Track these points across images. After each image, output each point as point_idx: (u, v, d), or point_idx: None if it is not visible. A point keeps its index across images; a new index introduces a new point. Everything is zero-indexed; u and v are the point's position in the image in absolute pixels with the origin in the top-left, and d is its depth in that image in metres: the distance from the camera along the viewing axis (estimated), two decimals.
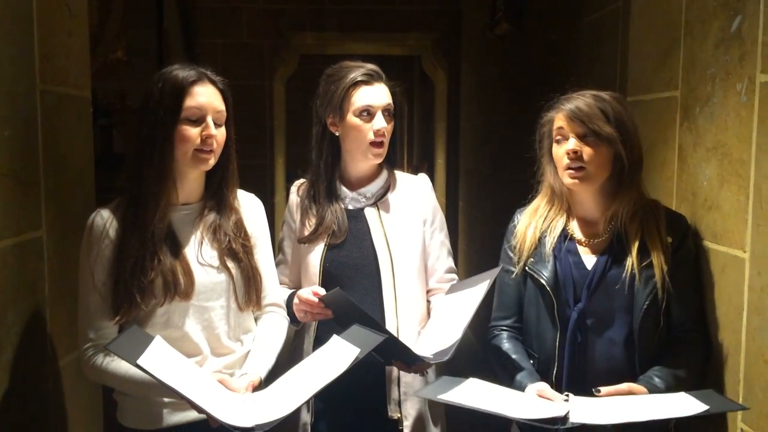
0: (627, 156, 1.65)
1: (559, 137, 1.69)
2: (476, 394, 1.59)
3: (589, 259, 1.71)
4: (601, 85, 1.78)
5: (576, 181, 1.66)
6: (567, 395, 1.57)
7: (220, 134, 1.64)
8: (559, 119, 1.68)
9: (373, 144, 1.89)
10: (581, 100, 1.66)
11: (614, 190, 1.69)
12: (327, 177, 1.96)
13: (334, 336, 1.62)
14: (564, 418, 1.46)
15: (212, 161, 1.65)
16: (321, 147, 1.97)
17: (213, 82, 1.65)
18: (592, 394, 1.57)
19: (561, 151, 1.68)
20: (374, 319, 1.68)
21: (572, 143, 1.65)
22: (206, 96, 1.62)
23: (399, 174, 2.05)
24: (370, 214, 1.96)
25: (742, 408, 1.52)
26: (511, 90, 4.13)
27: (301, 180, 2.06)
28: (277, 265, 2.03)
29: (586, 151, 1.64)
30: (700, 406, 1.42)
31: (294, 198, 2.03)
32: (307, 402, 1.87)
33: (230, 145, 1.70)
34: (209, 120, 1.61)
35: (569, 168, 1.66)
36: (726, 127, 1.61)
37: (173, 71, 1.62)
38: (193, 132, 1.60)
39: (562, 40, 3.15)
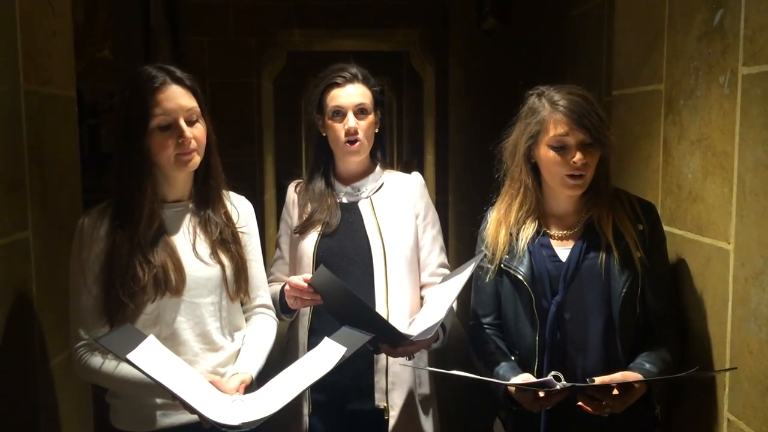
0: (610, 155, 1.67)
1: (558, 144, 1.64)
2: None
3: (563, 252, 1.71)
4: (586, 79, 1.79)
5: (578, 186, 1.65)
6: (557, 375, 1.60)
7: (197, 131, 1.63)
8: (560, 125, 1.63)
9: (346, 142, 1.96)
10: (578, 104, 1.62)
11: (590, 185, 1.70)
12: (321, 173, 2.05)
13: (325, 338, 1.64)
14: (556, 379, 1.52)
15: (196, 160, 1.64)
16: (314, 146, 2.08)
17: (178, 81, 1.62)
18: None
19: (560, 160, 1.63)
20: (358, 297, 1.70)
21: (579, 154, 1.61)
22: (172, 99, 1.60)
23: (393, 172, 2.12)
24: (364, 206, 2.01)
25: (729, 369, 1.54)
26: (499, 84, 4.14)
27: (299, 179, 2.12)
28: (275, 261, 2.09)
29: (588, 159, 1.63)
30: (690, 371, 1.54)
31: (291, 195, 2.09)
32: (305, 395, 1.91)
33: (210, 139, 1.69)
34: (181, 122, 1.60)
35: (571, 176, 1.64)
36: (709, 119, 1.63)
37: (135, 80, 1.61)
38: (168, 139, 1.59)
39: (549, 35, 3.16)
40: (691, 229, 1.72)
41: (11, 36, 1.68)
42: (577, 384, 1.54)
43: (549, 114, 1.65)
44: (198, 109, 1.64)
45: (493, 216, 1.81)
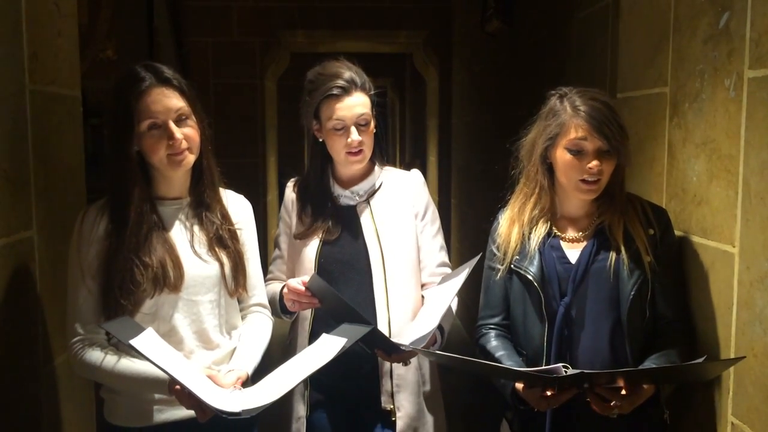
0: (626, 164, 1.67)
1: (575, 148, 1.64)
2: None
3: (572, 254, 1.71)
4: (591, 82, 1.79)
5: (591, 191, 1.66)
6: (565, 365, 1.60)
7: (188, 130, 1.63)
8: (579, 129, 1.63)
9: (349, 153, 1.92)
10: (600, 111, 1.62)
11: (603, 191, 1.70)
12: (319, 176, 2.01)
13: (323, 334, 1.65)
14: (563, 368, 1.51)
15: (190, 158, 1.65)
16: (311, 149, 2.03)
17: (165, 81, 1.62)
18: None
19: (576, 164, 1.64)
20: (351, 306, 1.70)
21: (595, 161, 1.62)
22: (159, 102, 1.60)
23: (392, 170, 2.08)
24: (363, 210, 1.99)
25: (738, 359, 1.53)
26: (502, 87, 4.14)
27: (297, 177, 2.10)
28: (274, 260, 2.09)
29: (603, 166, 1.63)
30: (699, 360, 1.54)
31: (290, 194, 2.07)
32: (303, 395, 1.92)
33: (204, 136, 1.69)
34: (170, 124, 1.60)
35: (585, 181, 1.65)
36: (715, 122, 1.62)
37: (122, 83, 1.61)
38: (158, 142, 1.60)
39: (553, 37, 3.16)
40: (695, 232, 1.71)
41: (17, 35, 1.69)
42: (585, 371, 1.53)
43: (570, 118, 1.64)
44: (187, 109, 1.64)
45: (506, 214, 1.81)
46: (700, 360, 1.55)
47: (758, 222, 1.46)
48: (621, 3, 2.19)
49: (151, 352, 1.43)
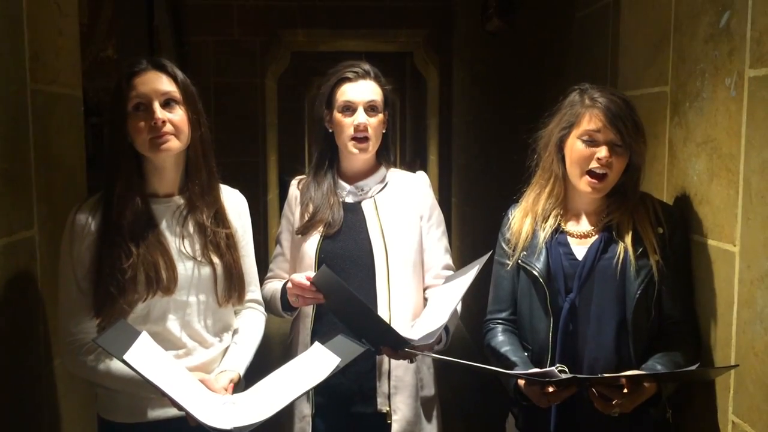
0: (641, 164, 1.67)
1: (588, 138, 1.65)
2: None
3: (580, 250, 1.72)
4: (591, 81, 1.79)
5: (596, 189, 1.66)
6: (563, 368, 1.60)
7: (174, 116, 1.62)
8: (594, 120, 1.64)
9: (353, 139, 1.93)
10: (618, 106, 1.62)
11: (615, 188, 1.70)
12: (325, 171, 2.02)
13: (317, 343, 1.64)
14: (560, 371, 1.52)
15: (173, 144, 1.62)
16: (320, 142, 2.04)
17: (159, 67, 1.64)
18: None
19: (587, 154, 1.64)
20: (360, 299, 1.69)
21: (605, 151, 1.63)
22: (147, 83, 1.61)
23: (397, 171, 2.09)
24: (367, 207, 1.98)
25: (732, 366, 1.54)
26: (503, 86, 4.14)
27: (302, 176, 2.10)
28: (275, 258, 2.08)
29: (614, 160, 1.63)
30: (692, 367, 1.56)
31: (293, 192, 2.07)
32: (308, 395, 1.91)
33: (194, 129, 1.67)
34: (154, 105, 1.60)
35: (592, 174, 1.65)
36: (715, 121, 1.63)
37: (121, 71, 1.64)
38: (141, 122, 1.60)
39: (553, 36, 3.16)
40: (696, 231, 1.71)
41: (18, 35, 1.69)
42: (578, 375, 1.54)
43: (586, 108, 1.66)
44: (177, 94, 1.64)
45: (521, 206, 1.81)
46: (693, 367, 1.55)
47: (759, 221, 1.46)
48: (622, 2, 2.19)
49: (144, 366, 1.41)
